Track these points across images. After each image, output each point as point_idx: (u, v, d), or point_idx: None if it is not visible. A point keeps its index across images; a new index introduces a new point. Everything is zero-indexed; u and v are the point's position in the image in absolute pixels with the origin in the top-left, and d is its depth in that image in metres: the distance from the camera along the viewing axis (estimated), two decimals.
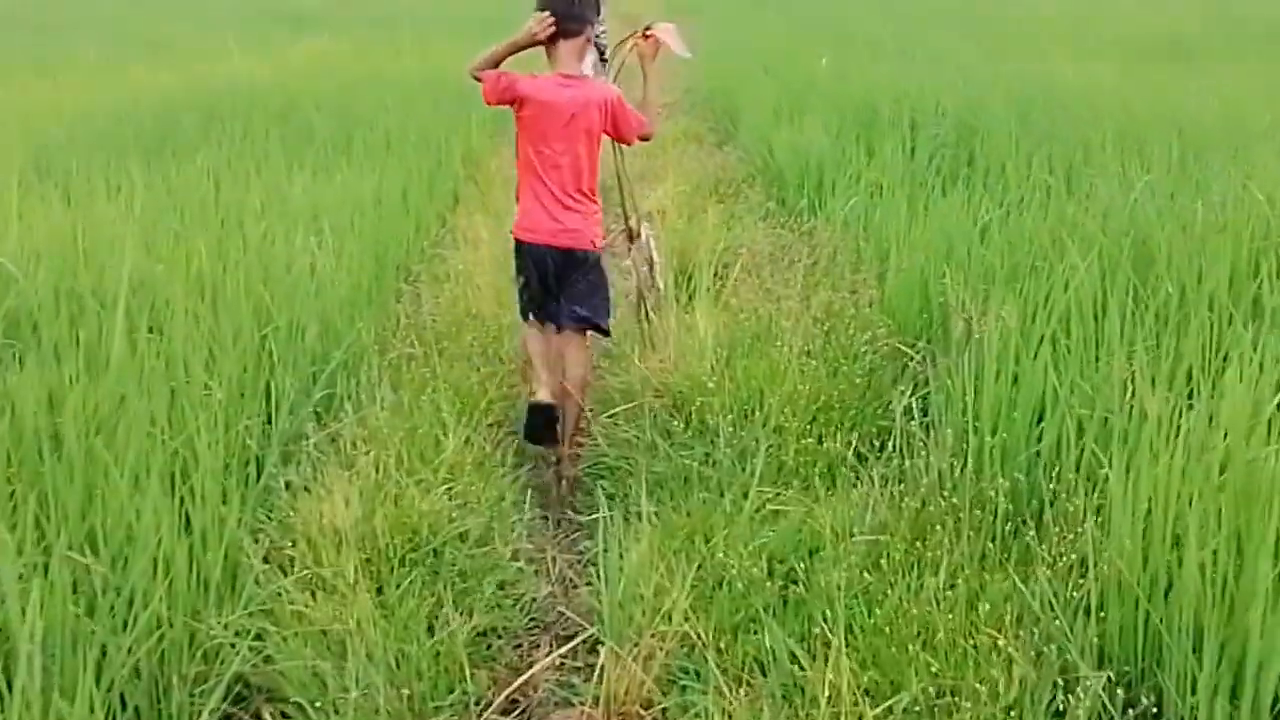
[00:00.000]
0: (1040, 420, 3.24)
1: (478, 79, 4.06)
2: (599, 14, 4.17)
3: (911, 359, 4.09)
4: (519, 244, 4.20)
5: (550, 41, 3.98)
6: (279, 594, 2.96)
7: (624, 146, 4.43)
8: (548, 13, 3.92)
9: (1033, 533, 2.89)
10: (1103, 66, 9.59)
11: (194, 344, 3.85)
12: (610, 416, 4.27)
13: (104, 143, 7.95)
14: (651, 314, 4.94)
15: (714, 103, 10.75)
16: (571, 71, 4.02)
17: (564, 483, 4.17)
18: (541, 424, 4.09)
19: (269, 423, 3.87)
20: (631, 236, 4.97)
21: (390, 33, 17.01)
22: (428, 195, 7.14)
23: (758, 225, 6.67)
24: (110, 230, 5.29)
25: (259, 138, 8.08)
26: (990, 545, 2.91)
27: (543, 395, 4.12)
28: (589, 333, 4.25)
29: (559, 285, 4.14)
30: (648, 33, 4.30)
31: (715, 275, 5.86)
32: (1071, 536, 2.77)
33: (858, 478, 3.50)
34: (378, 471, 3.62)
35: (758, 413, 3.90)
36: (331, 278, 4.70)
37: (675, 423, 4.08)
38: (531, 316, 4.29)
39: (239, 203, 6.09)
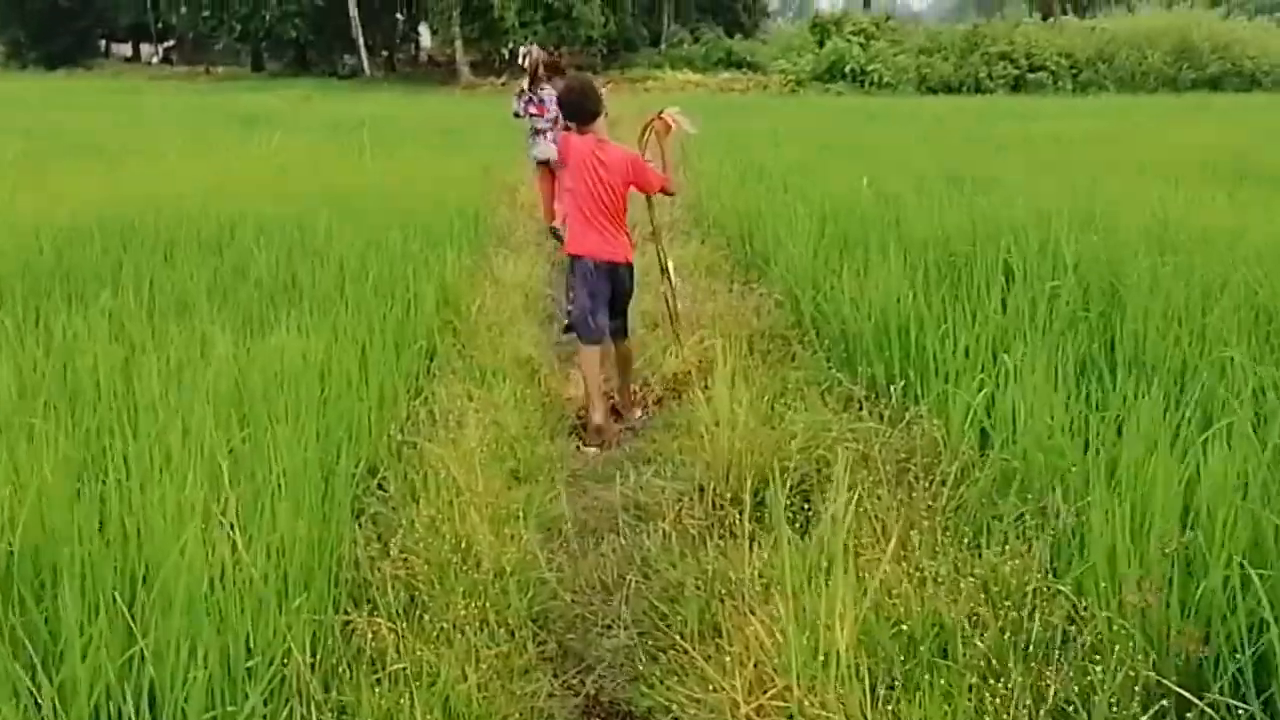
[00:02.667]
0: None
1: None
2: (604, 108, 5.60)
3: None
4: (573, 257, 5.61)
5: (581, 125, 5.54)
6: None
7: (652, 202, 6.10)
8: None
9: None
10: (1199, 192, 8.20)
11: None
12: None
13: None
14: (675, 324, 6.38)
15: (729, 227, 9.25)
16: (602, 137, 5.52)
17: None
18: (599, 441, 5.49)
19: None
20: (663, 269, 6.32)
21: (351, 137, 15.57)
22: (394, 355, 5.51)
23: (825, 404, 5.10)
24: None
25: (182, 274, 6.45)
26: None
27: (597, 418, 5.56)
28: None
29: (604, 293, 5.55)
30: (661, 115, 5.77)
31: (795, 490, 4.29)
32: None
33: None
34: None
35: None
36: (253, 552, 3.01)
37: None
38: (590, 331, 5.60)
39: (136, 376, 4.45)
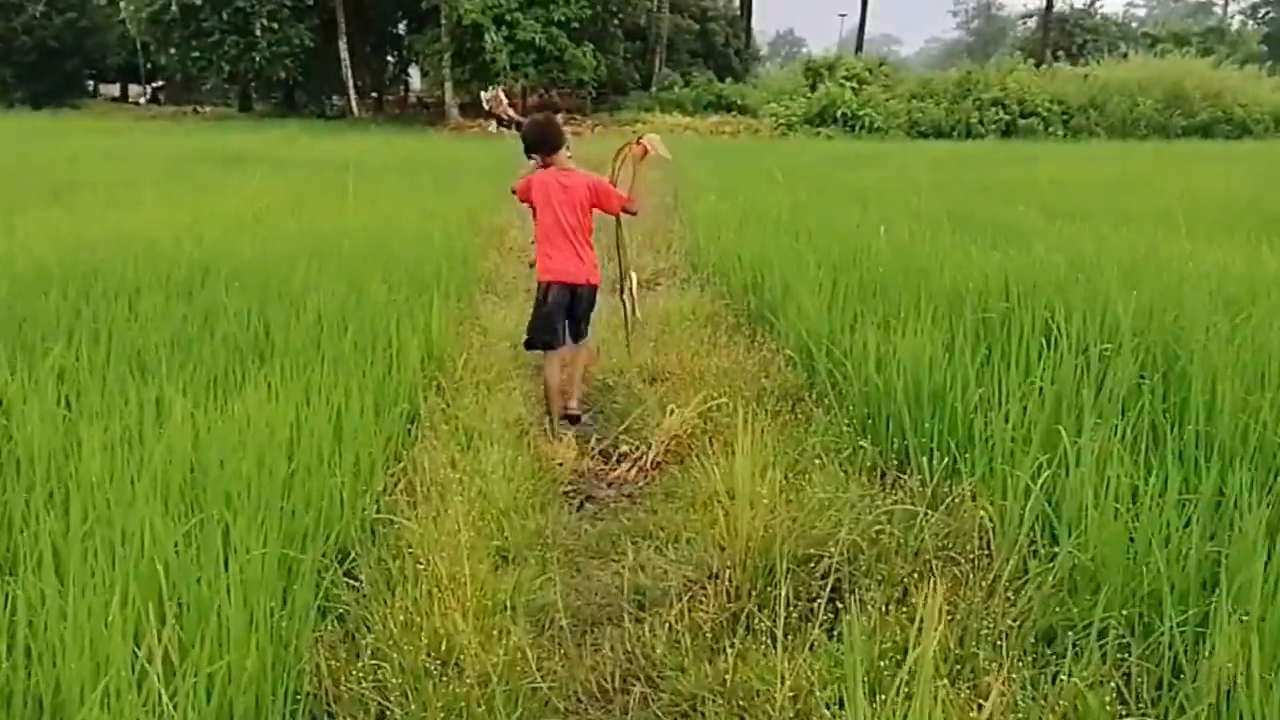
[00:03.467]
0: None
1: (514, 192, 6.16)
2: (565, 140, 6.11)
3: None
4: (544, 282, 5.99)
5: (545, 155, 5.99)
6: None
7: (621, 220, 6.38)
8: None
9: None
10: (1227, 242, 7.73)
11: None
12: None
13: None
14: (631, 331, 6.94)
15: (730, 275, 8.77)
16: (564, 167, 5.99)
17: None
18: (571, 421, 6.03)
19: None
20: (623, 279, 6.71)
21: (336, 178, 15.09)
22: (373, 418, 4.99)
23: (849, 475, 4.59)
24: None
25: (145, 325, 5.93)
26: None
27: (573, 407, 6.14)
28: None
29: (565, 308, 5.98)
30: (639, 141, 6.06)
31: (822, 578, 3.78)
32: None
33: None
34: None
35: None
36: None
37: None
38: (552, 345, 6.04)
39: (78, 449, 3.92)
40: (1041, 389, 4.38)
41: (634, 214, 6.32)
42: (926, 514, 3.91)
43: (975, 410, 4.47)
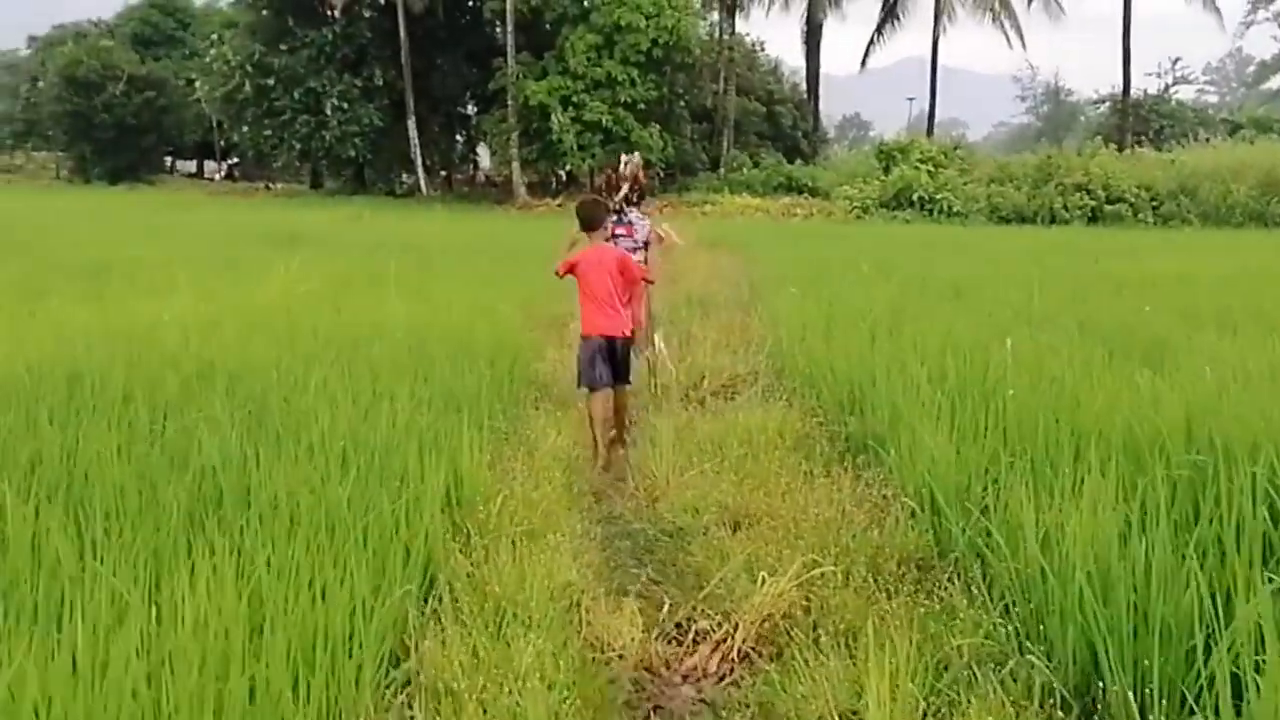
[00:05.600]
0: None
1: (559, 273, 7.20)
2: (608, 217, 7.45)
3: None
4: (586, 336, 7.03)
5: (588, 232, 7.14)
6: None
7: (651, 289, 8.32)
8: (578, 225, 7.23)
9: None
10: None
11: None
12: None
13: None
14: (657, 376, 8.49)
15: (821, 388, 7.48)
16: (599, 243, 7.14)
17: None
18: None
19: None
20: (652, 343, 8.63)
21: (391, 260, 14.11)
22: (371, 592, 3.77)
23: (1006, 699, 3.28)
24: None
25: (102, 457, 4.79)
26: None
27: (604, 453, 6.82)
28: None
29: (610, 358, 6.98)
30: (657, 231, 8.42)
31: None
32: None
33: None
34: None
35: None
36: None
37: None
38: (595, 385, 6.92)
39: None
40: None
41: (650, 283, 7.94)
42: None
43: (1200, 626, 3.14)
